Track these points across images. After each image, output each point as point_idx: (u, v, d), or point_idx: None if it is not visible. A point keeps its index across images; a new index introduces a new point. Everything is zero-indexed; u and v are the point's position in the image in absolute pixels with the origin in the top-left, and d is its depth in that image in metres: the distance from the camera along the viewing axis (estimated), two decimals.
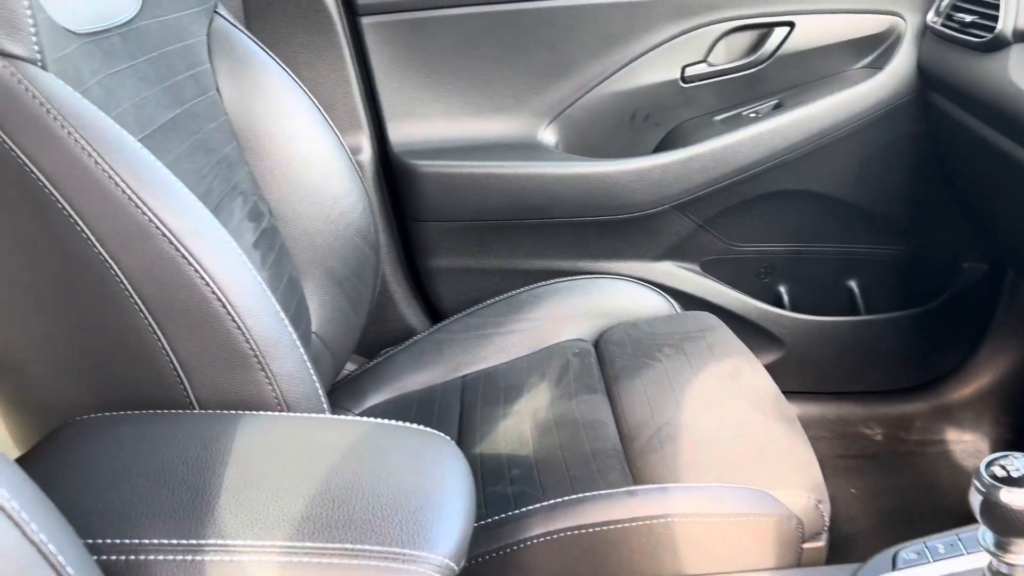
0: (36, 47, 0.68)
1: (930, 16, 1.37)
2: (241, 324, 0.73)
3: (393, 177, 1.43)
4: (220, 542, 0.57)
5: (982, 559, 0.60)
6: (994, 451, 1.51)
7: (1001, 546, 0.57)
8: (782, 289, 1.54)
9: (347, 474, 0.63)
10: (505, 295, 1.29)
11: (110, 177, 0.69)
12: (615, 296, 1.29)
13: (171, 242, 0.70)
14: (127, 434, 0.69)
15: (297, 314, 1.05)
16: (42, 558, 0.43)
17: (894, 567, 0.77)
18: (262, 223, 1.03)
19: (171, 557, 0.56)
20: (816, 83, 1.43)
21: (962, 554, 0.74)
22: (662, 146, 1.49)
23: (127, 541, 0.57)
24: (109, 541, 0.57)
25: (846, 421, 1.57)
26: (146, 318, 0.71)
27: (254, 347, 0.73)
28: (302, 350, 0.77)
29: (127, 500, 0.60)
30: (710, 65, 1.44)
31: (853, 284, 1.54)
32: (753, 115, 1.44)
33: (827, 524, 0.90)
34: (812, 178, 1.44)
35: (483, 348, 1.21)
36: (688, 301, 1.45)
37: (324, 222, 1.12)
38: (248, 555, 0.57)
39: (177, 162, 0.89)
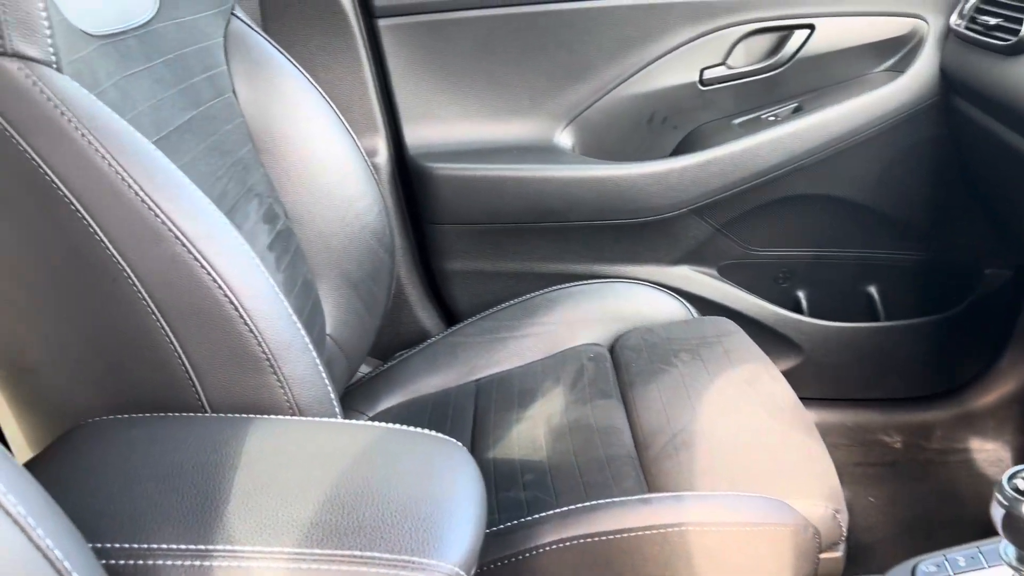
0: (51, 49, 0.68)
1: (953, 19, 1.35)
2: (253, 327, 0.73)
3: (409, 179, 1.43)
4: (229, 547, 0.56)
5: (1004, 573, 0.59)
6: (1016, 461, 1.49)
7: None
8: (801, 294, 1.52)
9: (357, 480, 0.62)
10: (520, 299, 1.29)
11: (123, 180, 0.68)
12: (631, 300, 1.28)
13: (184, 245, 0.70)
14: (139, 437, 0.69)
15: (311, 316, 1.05)
16: (48, 564, 0.43)
17: None
18: (277, 225, 1.03)
19: (179, 562, 0.56)
20: (836, 86, 1.42)
21: (983, 567, 0.73)
22: (680, 149, 1.47)
23: (136, 546, 0.56)
24: (118, 545, 0.56)
25: (865, 428, 1.55)
26: (158, 321, 0.71)
27: (266, 351, 0.73)
28: (314, 354, 0.77)
29: (137, 504, 0.60)
30: (729, 68, 1.43)
31: (873, 290, 1.52)
32: (772, 118, 1.43)
33: (845, 534, 0.88)
34: (832, 182, 1.42)
35: (497, 352, 1.20)
36: (705, 306, 1.44)
37: (339, 224, 1.11)
38: (257, 561, 0.56)
39: (193, 164, 0.89)
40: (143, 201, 0.69)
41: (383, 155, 1.40)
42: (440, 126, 1.42)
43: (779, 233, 1.47)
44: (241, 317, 0.72)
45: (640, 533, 0.83)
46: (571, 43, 1.40)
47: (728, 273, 1.49)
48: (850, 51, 1.41)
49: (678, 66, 1.42)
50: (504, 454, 1.00)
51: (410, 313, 1.47)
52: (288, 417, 0.74)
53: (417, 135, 1.42)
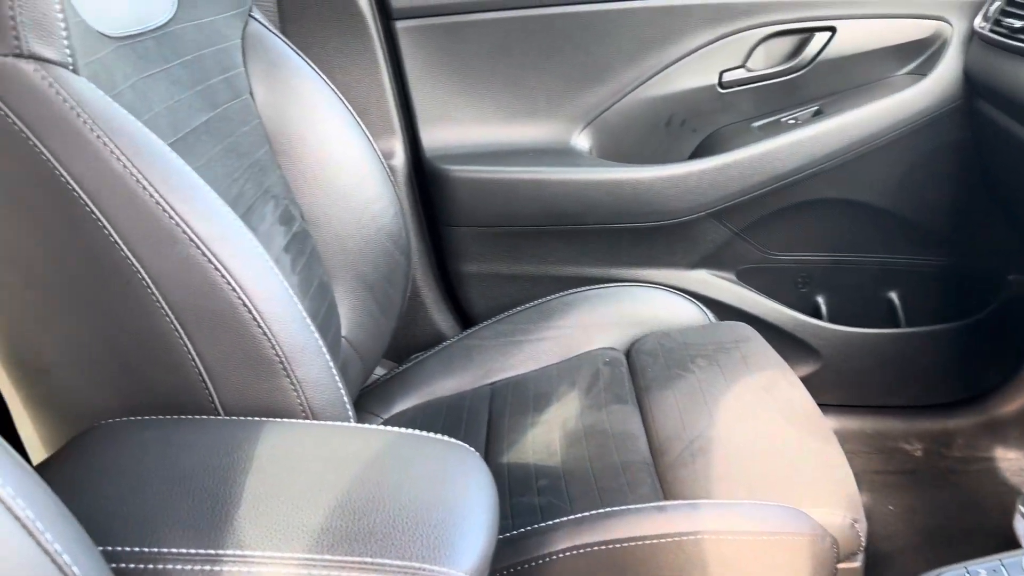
0: (68, 51, 0.69)
1: (977, 21, 1.33)
2: (267, 330, 0.72)
3: (425, 182, 1.42)
4: (239, 552, 0.56)
5: None
6: None
7: None
8: (820, 299, 1.50)
9: (369, 485, 0.62)
10: (536, 302, 1.28)
11: (138, 181, 0.68)
12: (648, 304, 1.27)
13: (198, 247, 0.70)
14: (151, 439, 0.69)
15: (327, 318, 1.05)
16: (56, 568, 0.43)
17: None
18: (293, 227, 1.03)
19: (189, 567, 0.56)
20: (858, 89, 1.40)
21: None
22: (698, 152, 1.46)
23: (146, 550, 0.56)
24: (128, 549, 0.56)
25: (885, 436, 1.53)
26: (172, 323, 0.71)
27: (280, 353, 0.73)
28: (328, 357, 0.77)
29: (148, 507, 0.60)
30: (748, 71, 1.42)
31: (893, 295, 1.50)
32: (792, 122, 1.41)
33: (863, 544, 0.87)
34: (852, 186, 1.41)
35: (513, 355, 1.20)
36: (723, 311, 1.43)
37: (355, 226, 1.11)
38: (266, 567, 0.56)
39: (209, 165, 0.89)
40: (158, 203, 0.69)
41: (400, 157, 1.40)
42: (457, 128, 1.42)
43: (798, 237, 1.46)
44: (255, 320, 0.72)
45: (655, 541, 0.82)
46: (589, 45, 1.39)
47: (746, 277, 1.48)
48: (872, 54, 1.39)
49: (697, 68, 1.41)
50: (518, 459, 0.99)
51: (425, 315, 1.47)
52: (300, 421, 0.73)
53: (434, 137, 1.42)
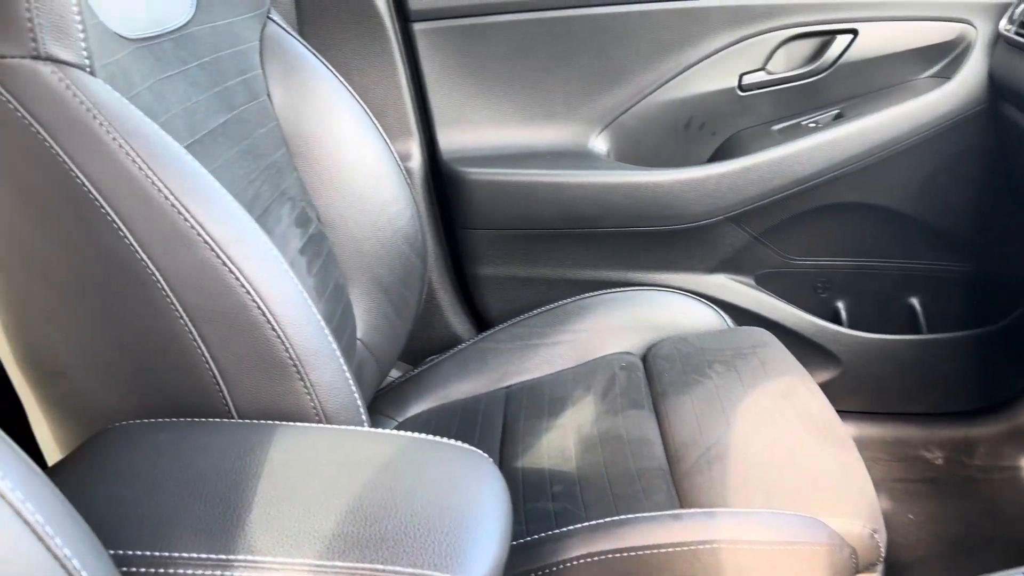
0: (85, 53, 0.69)
1: (1003, 24, 1.31)
2: (281, 333, 0.72)
3: (442, 184, 1.42)
4: (250, 558, 0.56)
5: None
6: None
7: None
8: (840, 305, 1.49)
9: (381, 491, 0.61)
10: (552, 305, 1.27)
11: (154, 184, 0.68)
12: (665, 309, 1.26)
13: (213, 249, 0.70)
14: (165, 441, 0.69)
15: (342, 321, 1.04)
16: (66, 574, 0.43)
17: None
18: (309, 229, 1.03)
19: (199, 572, 0.55)
20: (880, 93, 1.39)
21: None
22: (717, 156, 1.45)
23: (156, 554, 0.56)
24: (139, 553, 0.56)
25: (905, 443, 1.51)
26: (186, 325, 0.71)
27: (293, 357, 0.73)
28: (342, 361, 0.77)
29: (160, 510, 0.60)
30: (769, 73, 1.41)
31: (915, 301, 1.48)
32: (813, 125, 1.40)
33: (883, 555, 0.86)
34: (874, 191, 1.39)
35: (528, 359, 1.19)
36: (741, 316, 1.42)
37: (372, 229, 1.11)
38: (277, 572, 0.56)
39: (226, 167, 0.89)
40: (173, 205, 0.69)
41: (416, 159, 1.40)
42: (474, 130, 1.42)
43: (819, 242, 1.44)
44: (269, 322, 0.72)
45: (670, 550, 0.81)
46: (607, 48, 1.38)
47: (765, 282, 1.46)
48: (894, 57, 1.38)
49: (716, 71, 1.40)
50: (533, 463, 0.98)
51: (441, 318, 1.47)
52: (313, 425, 0.73)
53: (451, 139, 1.41)
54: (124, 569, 0.55)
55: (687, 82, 1.41)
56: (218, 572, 0.55)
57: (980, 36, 1.34)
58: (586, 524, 0.85)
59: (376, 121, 1.13)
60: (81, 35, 0.68)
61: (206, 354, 0.72)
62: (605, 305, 1.26)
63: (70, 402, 0.81)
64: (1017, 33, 1.26)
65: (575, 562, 0.82)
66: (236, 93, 0.97)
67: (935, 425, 1.52)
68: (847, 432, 0.97)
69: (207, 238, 0.70)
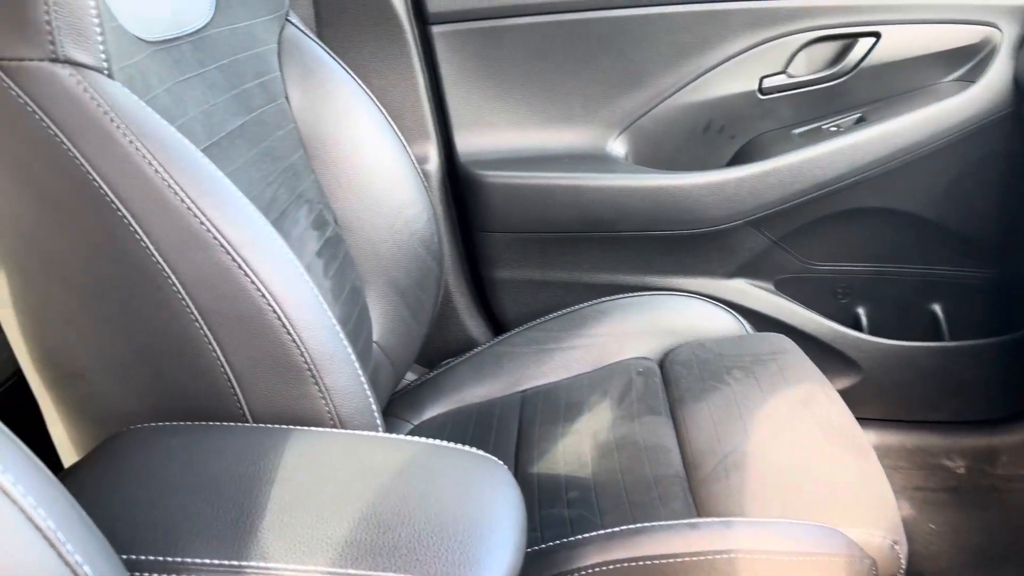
0: (103, 55, 0.69)
1: None
2: (296, 337, 0.72)
3: (459, 187, 1.42)
4: (262, 564, 0.56)
5: None
6: None
7: None
8: (860, 311, 1.47)
9: (395, 497, 0.61)
10: (569, 309, 1.27)
11: (170, 186, 0.68)
12: (683, 314, 1.25)
13: (228, 252, 0.70)
14: (179, 445, 0.69)
15: (358, 323, 1.04)
16: None
17: None
18: (327, 231, 1.03)
19: None
20: (903, 96, 1.37)
21: None
22: (737, 159, 1.44)
23: (168, 559, 0.56)
24: (151, 558, 0.56)
25: (926, 451, 1.49)
26: (201, 328, 0.71)
27: (308, 360, 0.72)
28: (357, 365, 0.76)
29: (173, 515, 0.60)
30: (790, 76, 1.39)
31: (937, 308, 1.46)
32: (834, 129, 1.38)
33: (903, 566, 0.85)
34: (896, 196, 1.37)
35: (544, 363, 1.18)
36: (760, 321, 1.40)
37: (388, 231, 1.11)
38: None
39: (243, 169, 0.89)
40: (189, 208, 0.69)
41: (434, 162, 1.40)
42: (491, 133, 1.41)
43: (839, 247, 1.42)
44: (284, 326, 0.72)
45: (687, 559, 0.80)
46: (626, 50, 1.37)
47: (785, 287, 1.45)
48: (918, 60, 1.36)
49: (736, 74, 1.39)
50: (548, 469, 0.98)
51: (457, 321, 1.46)
52: (327, 429, 0.73)
53: (468, 142, 1.41)
54: (136, 574, 0.55)
55: (707, 85, 1.39)
56: None
57: (1005, 39, 1.32)
58: (602, 532, 0.84)
59: (394, 124, 1.13)
60: (99, 38, 0.68)
61: (221, 357, 0.72)
62: (622, 309, 1.25)
63: (86, 404, 0.81)
64: None
65: (590, 570, 0.81)
66: (254, 95, 0.97)
67: (957, 433, 1.50)
68: (867, 440, 0.95)
69: (222, 241, 0.70)
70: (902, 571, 0.85)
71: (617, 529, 0.84)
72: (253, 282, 0.71)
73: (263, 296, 0.71)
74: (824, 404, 1.00)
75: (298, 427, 0.71)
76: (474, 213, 1.41)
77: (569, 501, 0.91)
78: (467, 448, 0.70)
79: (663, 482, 0.91)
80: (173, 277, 0.70)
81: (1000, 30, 1.32)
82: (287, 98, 1.06)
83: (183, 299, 0.70)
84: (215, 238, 0.70)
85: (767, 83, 1.40)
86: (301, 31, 1.10)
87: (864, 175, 1.34)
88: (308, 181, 1.04)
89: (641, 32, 1.36)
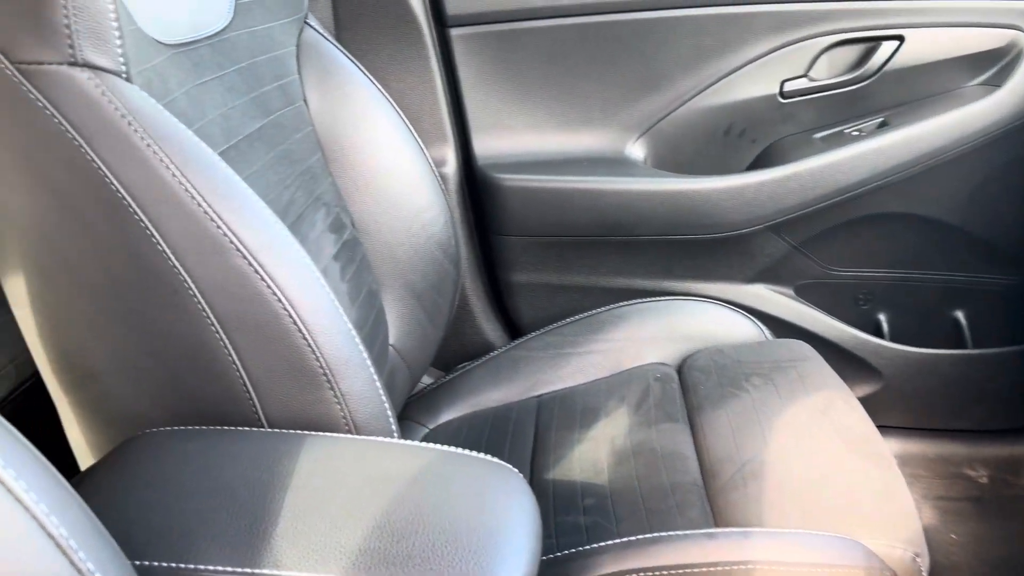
0: (121, 59, 0.69)
1: None
2: (312, 342, 0.72)
3: (477, 190, 1.41)
4: (276, 572, 0.55)
5: None
6: None
7: None
8: (882, 317, 1.45)
9: (409, 505, 0.60)
10: (586, 314, 1.26)
11: (187, 190, 0.68)
12: (701, 319, 1.24)
13: (245, 256, 0.70)
14: (194, 450, 0.69)
15: (375, 326, 1.04)
16: None
17: None
18: (344, 235, 1.03)
19: None
20: (926, 100, 1.35)
21: None
22: (757, 163, 1.43)
23: (182, 566, 0.56)
24: (164, 564, 0.56)
25: (948, 460, 1.47)
26: (217, 332, 0.71)
27: (323, 365, 0.72)
28: (373, 370, 0.76)
29: (187, 520, 0.59)
30: (811, 80, 1.38)
31: (960, 315, 1.44)
32: (856, 133, 1.37)
33: None
34: (919, 201, 1.35)
35: (561, 368, 1.18)
36: (780, 327, 1.39)
37: (406, 235, 1.11)
38: None
39: (261, 172, 0.89)
40: (205, 212, 0.69)
41: (451, 165, 1.39)
42: (509, 136, 1.41)
43: (861, 253, 1.41)
44: (299, 331, 0.71)
45: (704, 570, 0.79)
46: (646, 53, 1.36)
47: (805, 293, 1.43)
48: (942, 64, 1.34)
49: (757, 77, 1.38)
50: (564, 475, 0.97)
51: (474, 325, 1.46)
52: (342, 435, 0.73)
53: (486, 145, 1.41)
54: None
55: (727, 88, 1.38)
56: None
57: None
58: (618, 541, 0.83)
59: (411, 126, 1.13)
60: (118, 41, 0.68)
61: (237, 361, 0.72)
62: (640, 314, 1.24)
63: (102, 406, 0.82)
64: None
65: None
66: (272, 98, 0.97)
67: (980, 442, 1.48)
68: (888, 449, 0.94)
69: (239, 245, 0.70)
70: None
71: (633, 538, 0.83)
72: (269, 286, 0.70)
73: (279, 301, 0.71)
74: (844, 412, 0.98)
75: (313, 432, 0.71)
76: (491, 216, 1.41)
77: (585, 508, 0.90)
78: (481, 455, 0.69)
79: (680, 490, 0.90)
80: (189, 281, 0.70)
81: None
82: (305, 101, 1.06)
83: (199, 303, 0.70)
84: (232, 242, 0.69)
85: (788, 87, 1.38)
86: (320, 34, 1.10)
87: (887, 180, 1.33)
88: (325, 184, 1.04)
89: (661, 35, 1.35)
